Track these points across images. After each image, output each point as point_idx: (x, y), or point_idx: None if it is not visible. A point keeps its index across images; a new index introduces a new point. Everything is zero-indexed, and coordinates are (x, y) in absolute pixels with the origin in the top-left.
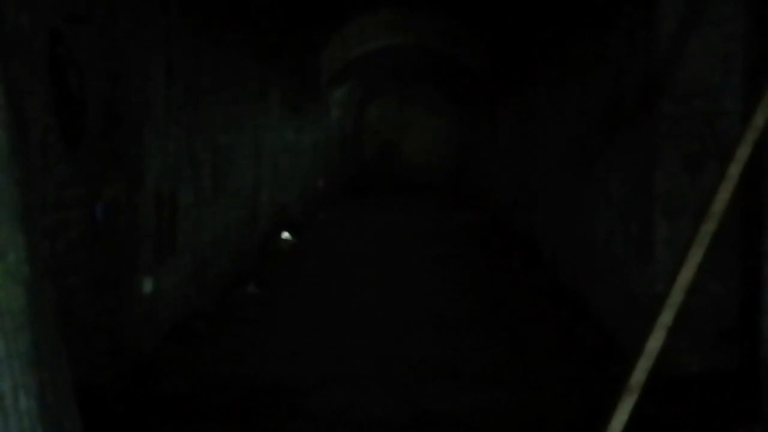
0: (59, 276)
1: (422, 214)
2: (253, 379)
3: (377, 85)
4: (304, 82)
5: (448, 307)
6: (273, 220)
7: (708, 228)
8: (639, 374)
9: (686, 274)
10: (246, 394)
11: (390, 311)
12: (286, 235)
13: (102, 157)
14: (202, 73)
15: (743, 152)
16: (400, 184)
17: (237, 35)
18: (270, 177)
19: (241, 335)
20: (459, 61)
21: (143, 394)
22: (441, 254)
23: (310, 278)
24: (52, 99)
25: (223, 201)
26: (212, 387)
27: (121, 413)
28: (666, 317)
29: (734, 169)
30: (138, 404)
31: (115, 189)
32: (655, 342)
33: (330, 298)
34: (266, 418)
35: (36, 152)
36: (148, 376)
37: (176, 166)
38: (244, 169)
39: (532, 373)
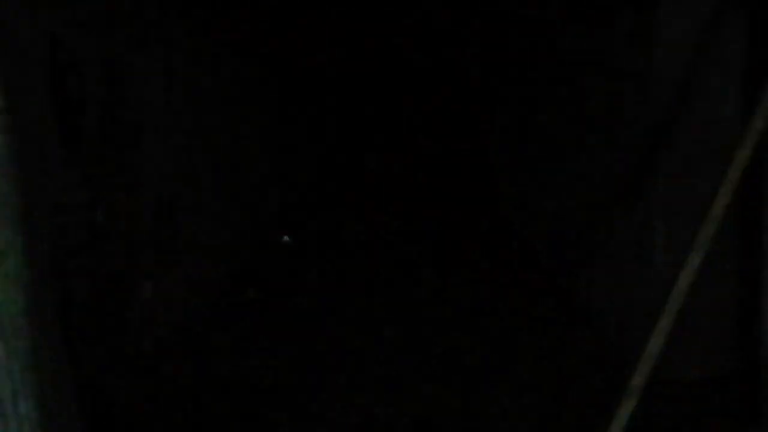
0: (59, 280)
1: (422, 216)
2: (253, 382)
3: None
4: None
5: (448, 308)
6: (274, 223)
7: (707, 231)
8: (639, 378)
9: (686, 278)
10: (246, 397)
11: (389, 313)
12: (287, 238)
13: (102, 161)
14: (202, 76)
15: (743, 155)
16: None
17: (237, 38)
18: (271, 180)
19: (241, 339)
20: (458, 65)
21: (143, 398)
22: (440, 254)
23: (311, 282)
24: (52, 103)
25: (223, 204)
26: (212, 391)
27: (121, 417)
28: (665, 321)
29: (734, 173)
30: (137, 408)
31: (115, 193)
32: (654, 346)
33: (331, 301)
34: (267, 421)
35: (35, 156)
36: (147, 380)
37: (176, 169)
38: (244, 172)
39: (530, 376)
